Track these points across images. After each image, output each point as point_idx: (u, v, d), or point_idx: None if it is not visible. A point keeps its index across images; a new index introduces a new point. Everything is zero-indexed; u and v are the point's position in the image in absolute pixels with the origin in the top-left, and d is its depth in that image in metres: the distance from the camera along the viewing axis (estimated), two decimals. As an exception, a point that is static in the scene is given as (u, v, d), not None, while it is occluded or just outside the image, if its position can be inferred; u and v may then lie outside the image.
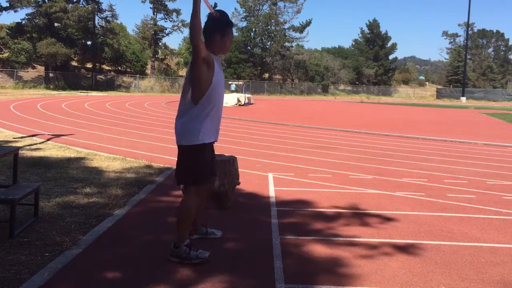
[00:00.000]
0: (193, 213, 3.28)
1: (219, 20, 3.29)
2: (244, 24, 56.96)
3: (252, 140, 10.50)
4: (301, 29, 57.53)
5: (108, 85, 44.73)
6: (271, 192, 5.43)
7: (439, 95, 62.76)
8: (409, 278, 3.09)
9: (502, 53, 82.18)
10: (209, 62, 3.17)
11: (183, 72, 56.29)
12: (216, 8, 3.51)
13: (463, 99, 53.63)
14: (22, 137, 9.34)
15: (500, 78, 74.95)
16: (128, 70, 50.04)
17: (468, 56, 65.73)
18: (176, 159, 3.31)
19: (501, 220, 4.59)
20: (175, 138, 3.27)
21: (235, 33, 55.59)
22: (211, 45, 3.27)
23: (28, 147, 8.06)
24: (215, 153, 3.55)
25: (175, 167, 3.39)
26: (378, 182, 6.27)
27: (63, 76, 42.33)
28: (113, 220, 4.08)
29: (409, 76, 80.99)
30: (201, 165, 3.23)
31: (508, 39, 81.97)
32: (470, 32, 71.37)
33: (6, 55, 42.19)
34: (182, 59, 56.74)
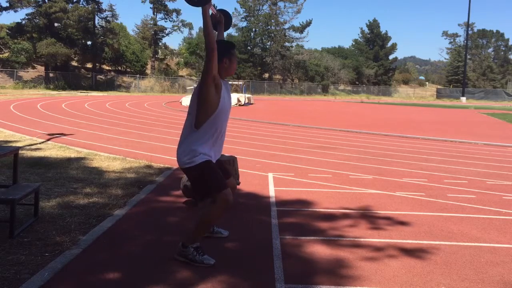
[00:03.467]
0: (214, 222, 3.27)
1: (224, 46, 3.30)
2: (244, 24, 57.04)
3: (252, 140, 10.50)
4: (301, 29, 57.53)
5: (108, 85, 44.72)
6: (271, 192, 5.43)
7: (439, 95, 62.74)
8: (409, 278, 3.09)
9: (502, 53, 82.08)
10: (217, 84, 3.16)
11: (183, 72, 56.29)
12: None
13: (463, 99, 53.61)
14: (22, 137, 9.34)
15: (500, 78, 74.87)
16: (128, 70, 50.03)
17: (468, 56, 65.68)
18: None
19: (501, 220, 4.59)
20: (176, 148, 3.25)
21: (235, 33, 55.74)
22: (220, 70, 3.24)
23: (28, 147, 8.07)
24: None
25: (175, 167, 3.38)
26: (378, 182, 6.27)
27: (63, 76, 42.34)
28: (113, 220, 4.08)
29: (409, 76, 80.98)
30: (212, 176, 3.17)
31: (508, 39, 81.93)
32: (470, 32, 71.36)
33: (6, 55, 42.17)
34: (182, 59, 56.75)
